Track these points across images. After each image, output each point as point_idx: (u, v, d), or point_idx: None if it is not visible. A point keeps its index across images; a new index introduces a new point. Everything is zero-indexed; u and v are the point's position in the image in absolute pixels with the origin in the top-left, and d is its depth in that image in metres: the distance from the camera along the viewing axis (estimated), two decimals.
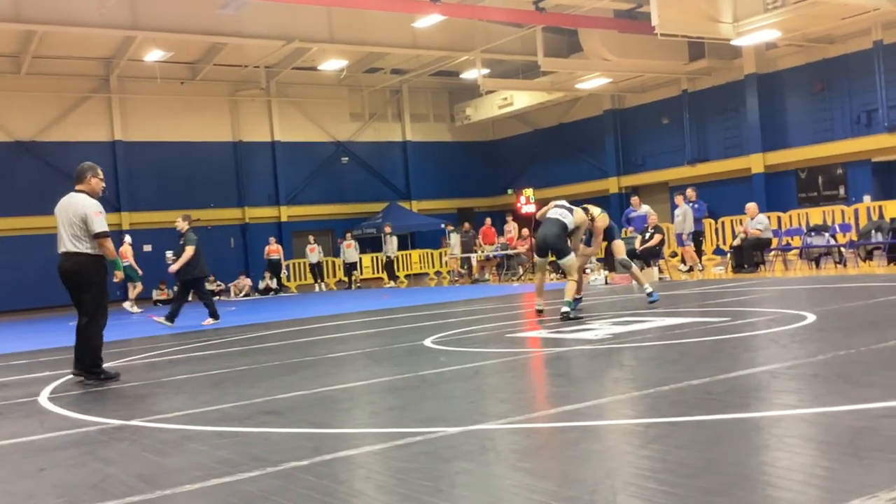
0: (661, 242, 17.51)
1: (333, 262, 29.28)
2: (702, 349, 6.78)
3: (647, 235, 17.14)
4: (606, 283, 17.02)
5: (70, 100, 27.15)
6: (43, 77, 26.26)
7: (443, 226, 29.06)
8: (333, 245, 30.66)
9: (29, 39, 23.41)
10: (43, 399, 6.81)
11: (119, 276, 8.09)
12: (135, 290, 21.07)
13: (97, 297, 7.53)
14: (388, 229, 26.43)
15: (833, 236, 17.04)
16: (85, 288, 7.47)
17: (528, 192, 24.39)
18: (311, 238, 27.98)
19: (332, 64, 27.49)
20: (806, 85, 24.43)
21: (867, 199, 21.19)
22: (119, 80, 27.55)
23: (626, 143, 30.26)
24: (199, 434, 4.91)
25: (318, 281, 27.68)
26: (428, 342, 8.68)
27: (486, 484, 3.42)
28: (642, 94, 29.39)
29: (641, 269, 13.73)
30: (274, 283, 26.81)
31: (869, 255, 16.59)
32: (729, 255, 18.53)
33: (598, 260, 18.56)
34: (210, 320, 13.76)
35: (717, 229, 23.47)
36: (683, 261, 19.32)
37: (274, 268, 26.91)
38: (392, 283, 26.00)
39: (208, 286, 26.37)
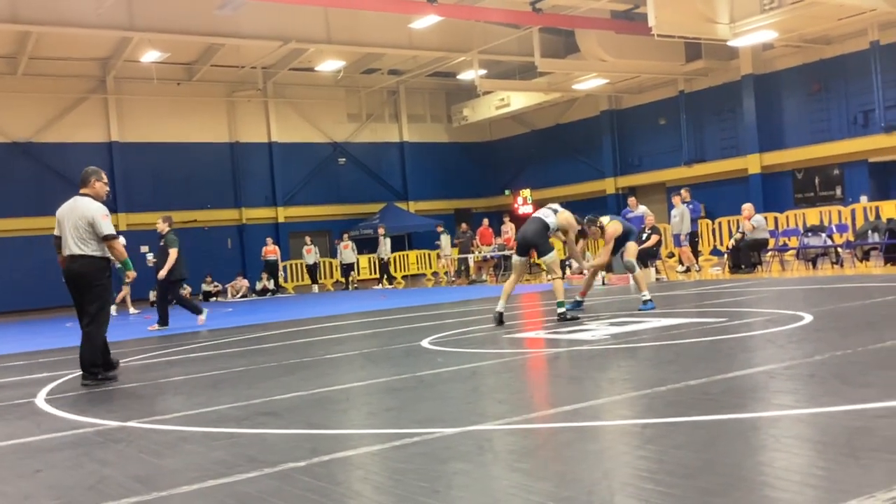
0: (658, 243, 17.53)
1: (330, 263, 29.25)
2: (699, 350, 6.78)
3: (644, 236, 17.15)
4: (604, 283, 17.02)
5: (67, 101, 27.12)
6: (39, 78, 26.24)
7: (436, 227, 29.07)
8: (330, 246, 30.64)
9: (25, 40, 23.37)
10: (40, 400, 6.81)
11: (131, 275, 8.09)
12: (122, 293, 20.92)
13: (101, 299, 7.56)
14: (381, 230, 26.38)
15: (830, 237, 17.04)
16: (90, 289, 7.48)
17: (526, 192, 24.46)
18: (307, 239, 27.93)
19: (329, 65, 27.48)
20: (803, 85, 24.46)
21: (864, 199, 21.21)
22: (116, 80, 27.52)
23: (623, 143, 30.27)
24: (196, 435, 4.91)
25: (315, 282, 27.64)
26: (425, 343, 8.68)
27: (483, 485, 3.42)
28: (639, 94, 29.40)
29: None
30: (271, 284, 26.80)
31: (865, 256, 16.59)
32: (726, 255, 18.56)
33: None
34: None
35: (713, 230, 23.49)
36: (680, 261, 19.35)
37: (271, 269, 26.90)
38: (386, 285, 25.79)
39: (205, 287, 26.72)
